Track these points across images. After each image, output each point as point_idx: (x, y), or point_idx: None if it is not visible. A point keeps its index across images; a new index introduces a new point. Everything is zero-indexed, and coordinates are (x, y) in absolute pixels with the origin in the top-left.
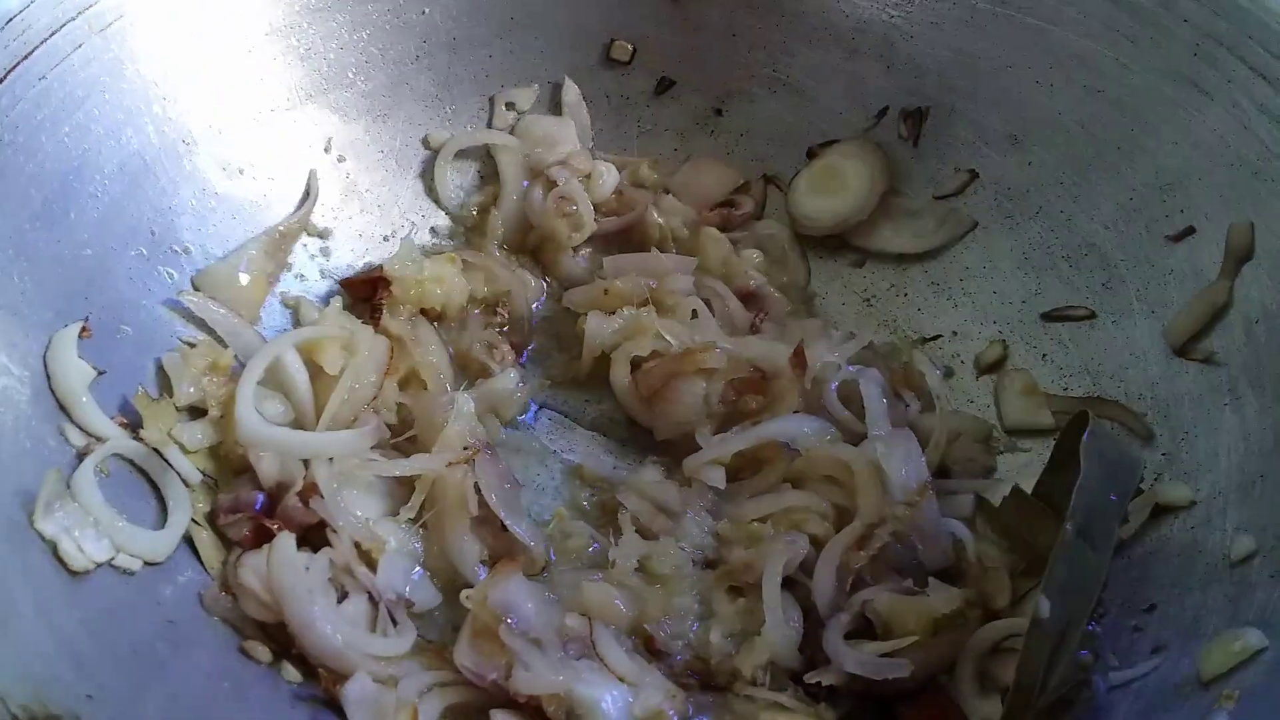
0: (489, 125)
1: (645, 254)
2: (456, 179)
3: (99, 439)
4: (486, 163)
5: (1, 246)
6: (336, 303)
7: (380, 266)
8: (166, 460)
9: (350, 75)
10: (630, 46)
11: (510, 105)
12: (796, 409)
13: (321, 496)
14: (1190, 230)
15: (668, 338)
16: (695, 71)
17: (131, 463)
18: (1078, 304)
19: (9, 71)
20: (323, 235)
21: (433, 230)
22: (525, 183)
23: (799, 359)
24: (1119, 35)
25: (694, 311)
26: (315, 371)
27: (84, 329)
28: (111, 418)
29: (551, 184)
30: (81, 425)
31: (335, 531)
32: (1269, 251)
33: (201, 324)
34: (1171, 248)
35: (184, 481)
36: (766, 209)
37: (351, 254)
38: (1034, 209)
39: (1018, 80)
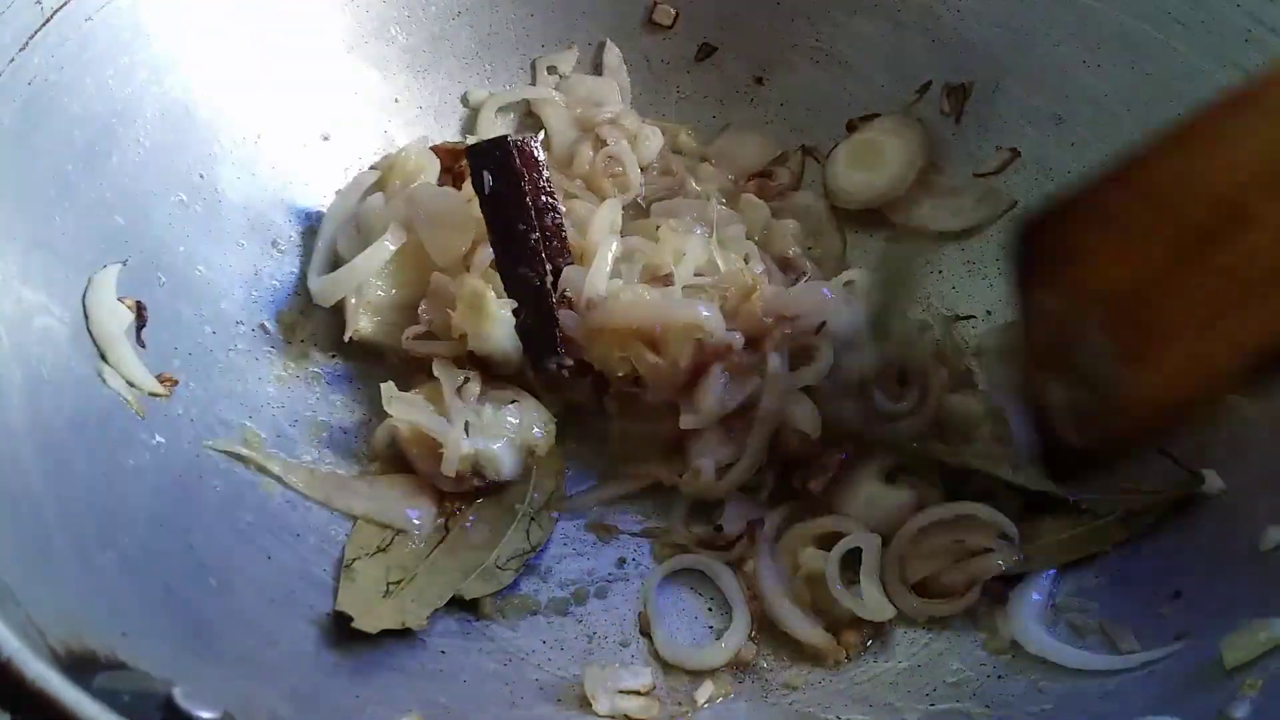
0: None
1: (698, 200)
2: None
3: (132, 383)
4: (525, 123)
5: (44, 185)
6: None
7: (464, 139)
8: None
9: (392, 30)
10: (673, 10)
11: (552, 69)
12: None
13: None
14: None
15: (719, 261)
16: (738, 39)
17: None
18: None
19: (56, 11)
20: None
21: None
22: (572, 137)
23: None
24: (1169, 17)
25: (745, 256)
26: None
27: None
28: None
29: (601, 142)
30: (117, 368)
31: None
32: None
33: None
34: None
35: None
36: (803, 180)
37: None
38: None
39: (1064, 59)
